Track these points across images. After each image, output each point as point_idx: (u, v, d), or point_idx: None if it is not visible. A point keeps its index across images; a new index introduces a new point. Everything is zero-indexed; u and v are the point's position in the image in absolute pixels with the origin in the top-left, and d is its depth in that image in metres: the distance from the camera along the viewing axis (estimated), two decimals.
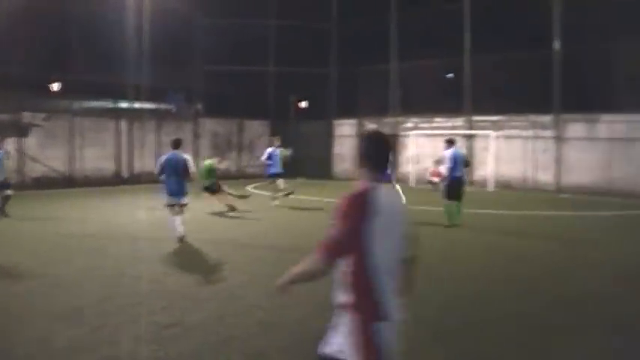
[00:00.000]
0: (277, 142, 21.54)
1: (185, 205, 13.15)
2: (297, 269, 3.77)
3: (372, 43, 33.06)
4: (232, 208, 18.80)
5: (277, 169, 21.04)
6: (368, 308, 3.58)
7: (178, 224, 12.83)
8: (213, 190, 19.49)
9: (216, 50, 33.97)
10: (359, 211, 3.57)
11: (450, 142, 16.44)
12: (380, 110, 33.46)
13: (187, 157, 13.41)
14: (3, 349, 6.34)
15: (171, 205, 13.03)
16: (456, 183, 16.02)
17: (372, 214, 3.55)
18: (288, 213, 18.92)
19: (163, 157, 13.36)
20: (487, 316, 7.89)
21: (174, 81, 33.96)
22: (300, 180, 29.59)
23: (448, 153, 16.13)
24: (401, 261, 3.78)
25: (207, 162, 20.48)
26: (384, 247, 3.59)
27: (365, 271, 3.57)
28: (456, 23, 30.14)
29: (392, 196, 3.86)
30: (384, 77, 33.20)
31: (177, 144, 13.47)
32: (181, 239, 12.72)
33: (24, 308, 7.91)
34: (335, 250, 3.62)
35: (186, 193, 13.17)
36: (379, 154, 3.84)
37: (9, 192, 17.42)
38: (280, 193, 21.09)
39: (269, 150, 21.34)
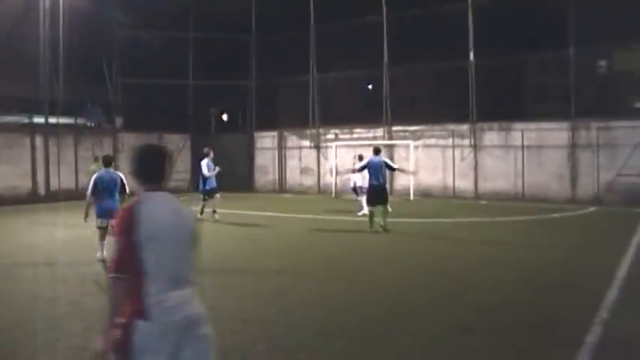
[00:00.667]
0: (211, 155, 20.67)
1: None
2: (109, 307, 3.82)
3: (291, 55, 33.24)
4: None
5: (214, 183, 20.29)
6: (132, 308, 3.75)
7: (104, 246, 12.17)
8: None
9: (135, 63, 33.46)
10: (125, 224, 3.81)
11: (377, 151, 16.99)
12: (301, 122, 33.63)
13: (121, 174, 12.87)
14: None
15: (102, 228, 12.37)
16: (376, 189, 16.62)
17: (137, 225, 3.77)
18: (205, 227, 18.73)
19: (95, 176, 12.56)
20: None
21: (92, 94, 33.29)
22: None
23: (364, 161, 16.77)
24: (183, 263, 4.00)
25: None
26: (157, 254, 3.79)
27: (138, 277, 3.75)
28: (375, 35, 30.55)
29: (164, 204, 4.09)
30: (304, 89, 33.36)
31: (109, 161, 13.05)
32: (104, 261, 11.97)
33: None
34: (117, 264, 3.81)
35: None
36: (147, 167, 4.12)
37: None
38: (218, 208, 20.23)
39: (206, 162, 20.28)
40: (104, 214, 12.21)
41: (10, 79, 28.74)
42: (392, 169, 18.66)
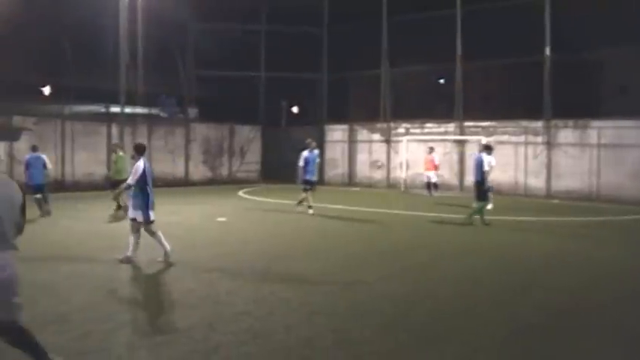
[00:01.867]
0: (313, 144, 20.23)
1: None
2: None
3: (363, 49, 33.08)
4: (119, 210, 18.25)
5: (313, 176, 19.66)
6: None
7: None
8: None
9: (209, 55, 33.96)
10: None
11: (487, 148, 17.31)
12: (371, 115, 33.52)
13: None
14: None
15: (152, 221, 11.47)
16: (478, 185, 17.05)
17: None
18: (275, 218, 18.88)
19: (141, 165, 11.25)
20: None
21: (166, 86, 33.94)
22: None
23: (487, 158, 17.03)
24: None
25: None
26: None
27: None
28: (448, 29, 30.18)
29: None
30: (375, 82, 33.23)
31: (144, 149, 11.87)
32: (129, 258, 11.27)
33: None
34: None
35: None
36: None
37: None
38: (308, 203, 19.38)
39: (305, 154, 19.65)
40: (153, 205, 11.50)
41: (89, 71, 29.56)
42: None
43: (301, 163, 19.54)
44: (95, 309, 8.05)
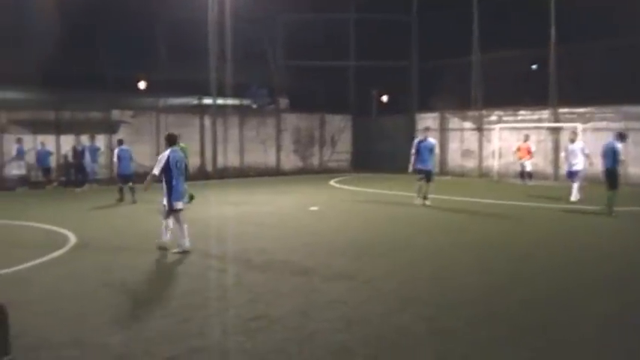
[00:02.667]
0: (424, 134, 19.23)
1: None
2: None
3: (453, 35, 32.49)
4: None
5: (425, 164, 18.69)
6: None
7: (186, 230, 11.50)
8: None
9: (298, 45, 34.16)
10: None
11: (621, 136, 16.63)
12: (463, 103, 32.98)
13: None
14: (99, 342, 6.58)
15: (177, 210, 11.56)
16: (609, 173, 16.32)
17: None
18: (368, 207, 18.87)
19: (165, 155, 11.44)
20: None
21: (257, 77, 34.40)
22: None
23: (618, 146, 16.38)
24: None
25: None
26: None
27: None
28: (540, 13, 29.30)
29: None
30: (466, 69, 32.65)
31: (174, 139, 11.91)
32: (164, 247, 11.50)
33: (116, 300, 8.20)
34: None
35: None
36: None
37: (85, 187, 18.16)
38: (421, 193, 18.73)
39: (416, 142, 18.89)
40: (182, 195, 11.86)
41: (181, 64, 30.30)
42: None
43: (413, 150, 18.77)
44: (194, 295, 8.29)
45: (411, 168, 19.15)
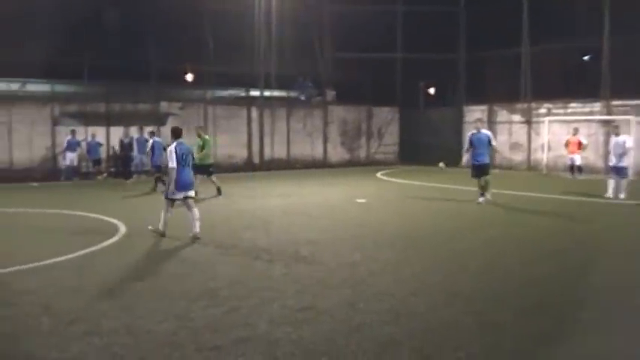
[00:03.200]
0: (477, 127, 17.88)
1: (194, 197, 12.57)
2: None
3: (502, 26, 31.91)
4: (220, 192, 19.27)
5: (485, 158, 17.41)
6: None
7: (194, 215, 12.03)
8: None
9: (345, 37, 34.08)
10: None
11: None
12: (511, 95, 32.45)
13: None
14: (148, 330, 6.65)
15: (183, 199, 12.13)
16: None
17: None
18: (415, 200, 18.74)
19: (171, 148, 11.99)
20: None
21: (303, 69, 34.43)
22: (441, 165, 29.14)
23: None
24: None
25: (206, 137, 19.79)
26: None
27: None
28: (592, 3, 28.65)
29: None
30: (515, 61, 32.08)
31: (179, 133, 12.42)
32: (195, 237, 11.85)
33: (162, 288, 8.31)
34: None
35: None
36: None
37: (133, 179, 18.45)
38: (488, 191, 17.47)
39: (469, 136, 17.71)
40: (187, 185, 12.17)
41: (228, 56, 30.52)
42: None
43: (466, 146, 17.76)
44: (241, 286, 8.33)
45: (465, 161, 18.77)
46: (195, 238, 11.71)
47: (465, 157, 18.42)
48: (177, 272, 9.20)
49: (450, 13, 35.03)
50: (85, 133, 27.04)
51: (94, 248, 10.93)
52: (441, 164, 26.03)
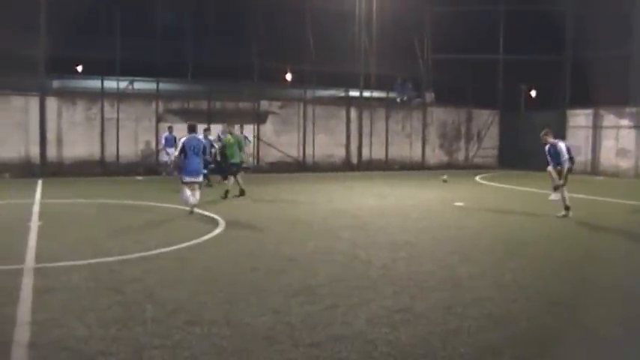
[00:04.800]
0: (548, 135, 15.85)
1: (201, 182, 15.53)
2: None
3: (611, 26, 30.68)
4: (243, 192, 18.85)
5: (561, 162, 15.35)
6: None
7: (195, 198, 14.78)
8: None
9: (446, 38, 33.72)
10: None
11: None
12: (619, 99, 31.22)
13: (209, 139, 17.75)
14: (247, 322, 6.75)
15: (188, 183, 14.75)
16: None
17: None
18: (514, 205, 18.32)
19: (182, 140, 14.99)
20: None
21: (403, 70, 34.26)
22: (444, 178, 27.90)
23: None
24: None
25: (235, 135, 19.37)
26: None
27: None
28: None
29: None
30: (624, 62, 30.81)
31: (193, 128, 15.38)
32: (192, 211, 14.75)
33: (260, 283, 8.41)
34: None
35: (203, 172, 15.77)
36: None
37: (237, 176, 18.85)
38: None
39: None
40: (194, 172, 14.80)
41: (329, 57, 30.72)
42: None
43: (565, 155, 15.36)
44: (339, 284, 8.34)
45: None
46: (190, 212, 14.68)
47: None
48: (276, 268, 9.30)
49: (555, 12, 33.98)
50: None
51: (196, 241, 11.24)
52: (444, 177, 25.13)
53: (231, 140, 18.82)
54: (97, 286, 8.09)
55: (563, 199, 15.34)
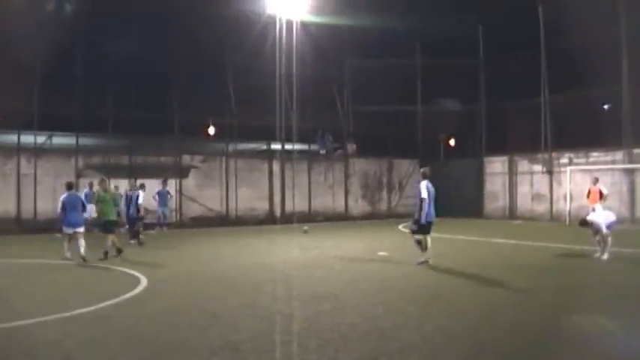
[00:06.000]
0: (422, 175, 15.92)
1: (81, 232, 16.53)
2: None
3: (521, 77, 31.95)
4: (120, 251, 17.46)
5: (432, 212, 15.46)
6: None
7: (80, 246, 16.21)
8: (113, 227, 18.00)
9: (365, 90, 34.39)
10: None
11: None
12: (532, 145, 32.38)
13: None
14: None
15: (69, 234, 16.50)
16: None
17: None
18: (436, 252, 18.51)
19: (61, 198, 16.68)
20: None
21: (324, 122, 34.58)
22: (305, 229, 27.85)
23: None
24: None
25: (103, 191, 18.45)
26: None
27: None
28: (611, 52, 28.59)
29: None
30: (535, 111, 32.04)
31: (70, 186, 17.17)
32: (84, 259, 16.02)
33: (183, 340, 8.17)
34: None
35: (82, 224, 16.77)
36: None
37: (153, 231, 18.52)
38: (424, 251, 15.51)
39: (425, 185, 15.42)
40: (71, 223, 16.48)
41: (250, 110, 30.87)
42: None
43: (424, 194, 15.28)
44: (263, 340, 8.18)
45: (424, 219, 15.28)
46: (84, 260, 15.98)
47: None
48: (199, 325, 9.07)
49: (469, 64, 35.23)
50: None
51: (117, 299, 10.91)
52: (305, 227, 25.56)
53: (107, 197, 17.91)
54: (10, 352, 7.71)
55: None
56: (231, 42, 31.06)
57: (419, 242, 15.51)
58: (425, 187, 15.31)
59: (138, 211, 21.22)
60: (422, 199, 15.21)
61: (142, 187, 22.41)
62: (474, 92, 35.54)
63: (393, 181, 37.36)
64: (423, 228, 15.36)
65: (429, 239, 15.46)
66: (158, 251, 18.81)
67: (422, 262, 15.17)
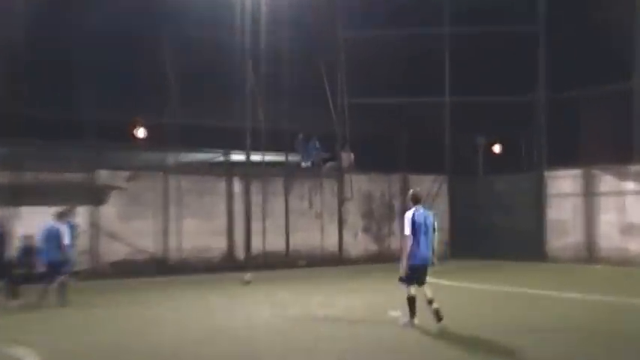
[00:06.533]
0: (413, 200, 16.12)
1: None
2: None
3: (600, 54, 31.64)
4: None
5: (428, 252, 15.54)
6: None
7: None
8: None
9: (367, 76, 34.13)
10: None
11: None
12: (620, 153, 31.87)
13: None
14: None
15: None
16: None
17: None
18: (475, 312, 18.19)
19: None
20: None
21: (308, 121, 34.25)
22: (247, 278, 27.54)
23: None
24: None
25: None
26: None
27: None
28: None
29: None
30: (623, 102, 31.68)
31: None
32: None
33: None
34: None
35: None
36: None
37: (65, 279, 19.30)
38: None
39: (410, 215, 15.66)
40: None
41: (200, 105, 30.47)
42: None
43: (408, 230, 15.44)
44: None
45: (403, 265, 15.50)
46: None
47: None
48: None
49: (525, 34, 34.71)
50: None
51: None
52: (247, 276, 25.07)
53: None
54: None
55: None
56: (169, 5, 30.76)
57: (411, 300, 15.33)
58: (410, 219, 15.37)
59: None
60: (404, 237, 15.36)
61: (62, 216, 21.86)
62: (529, 77, 35.15)
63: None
64: (412, 277, 15.29)
65: (427, 291, 15.23)
66: (53, 317, 18.33)
67: (406, 324, 15.24)
